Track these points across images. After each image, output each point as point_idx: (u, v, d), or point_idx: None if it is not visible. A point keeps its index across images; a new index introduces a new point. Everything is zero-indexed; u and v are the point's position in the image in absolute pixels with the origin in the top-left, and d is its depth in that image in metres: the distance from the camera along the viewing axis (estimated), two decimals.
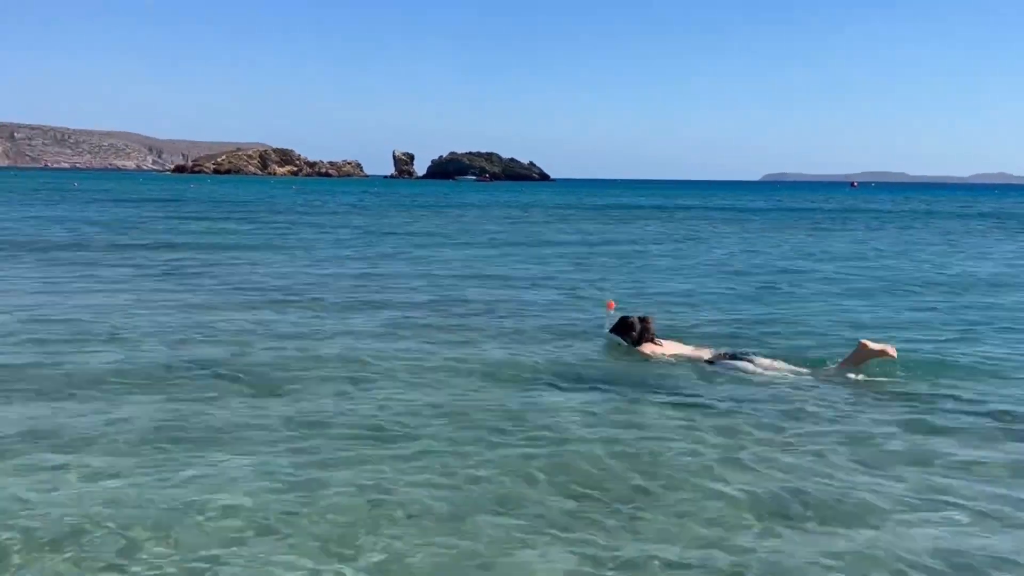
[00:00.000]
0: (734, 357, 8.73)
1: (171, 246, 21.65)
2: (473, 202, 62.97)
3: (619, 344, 9.41)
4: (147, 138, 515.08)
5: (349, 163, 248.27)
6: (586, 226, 34.72)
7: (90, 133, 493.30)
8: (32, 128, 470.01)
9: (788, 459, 5.82)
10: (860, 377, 8.09)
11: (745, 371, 8.43)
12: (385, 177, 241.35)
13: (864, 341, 8.38)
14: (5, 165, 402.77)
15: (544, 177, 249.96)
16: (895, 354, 8.14)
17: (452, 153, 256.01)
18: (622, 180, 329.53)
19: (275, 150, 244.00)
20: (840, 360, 8.48)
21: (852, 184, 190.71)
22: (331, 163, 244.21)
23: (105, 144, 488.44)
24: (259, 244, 23.02)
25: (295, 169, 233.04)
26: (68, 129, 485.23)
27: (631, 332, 9.33)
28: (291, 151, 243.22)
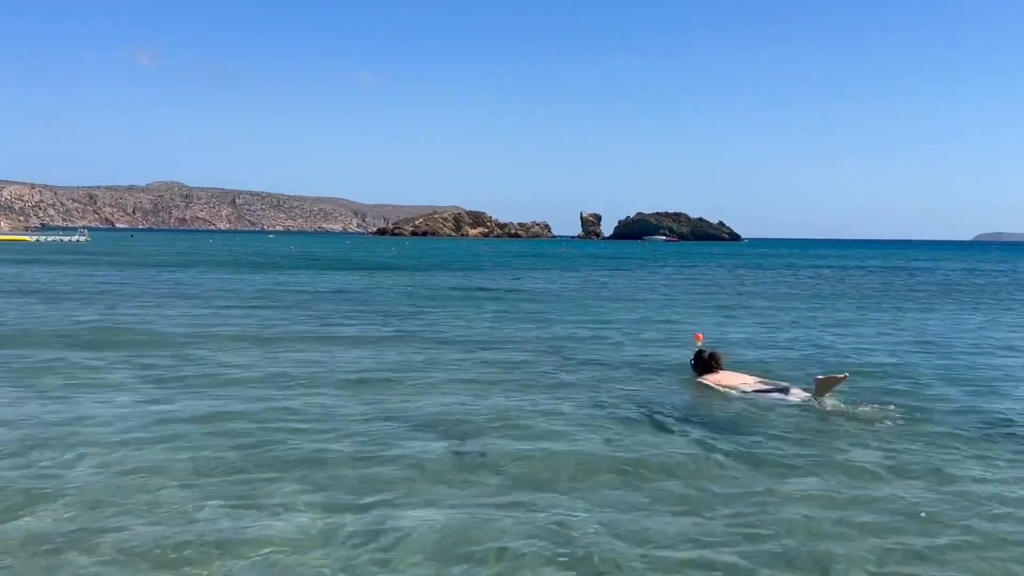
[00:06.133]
0: (776, 388, 10.38)
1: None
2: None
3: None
4: (353, 203, 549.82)
5: (537, 224, 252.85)
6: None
7: (302, 199, 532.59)
8: (252, 194, 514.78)
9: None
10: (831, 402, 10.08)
11: (774, 399, 10.08)
12: (572, 238, 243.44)
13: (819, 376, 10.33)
14: (227, 228, 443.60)
15: (735, 237, 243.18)
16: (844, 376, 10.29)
17: (639, 214, 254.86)
18: (819, 240, 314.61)
19: (468, 213, 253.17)
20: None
21: None
22: (520, 224, 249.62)
23: (316, 209, 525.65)
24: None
25: (486, 231, 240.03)
26: (283, 195, 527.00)
27: (696, 365, 11.32)
28: (483, 213, 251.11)
